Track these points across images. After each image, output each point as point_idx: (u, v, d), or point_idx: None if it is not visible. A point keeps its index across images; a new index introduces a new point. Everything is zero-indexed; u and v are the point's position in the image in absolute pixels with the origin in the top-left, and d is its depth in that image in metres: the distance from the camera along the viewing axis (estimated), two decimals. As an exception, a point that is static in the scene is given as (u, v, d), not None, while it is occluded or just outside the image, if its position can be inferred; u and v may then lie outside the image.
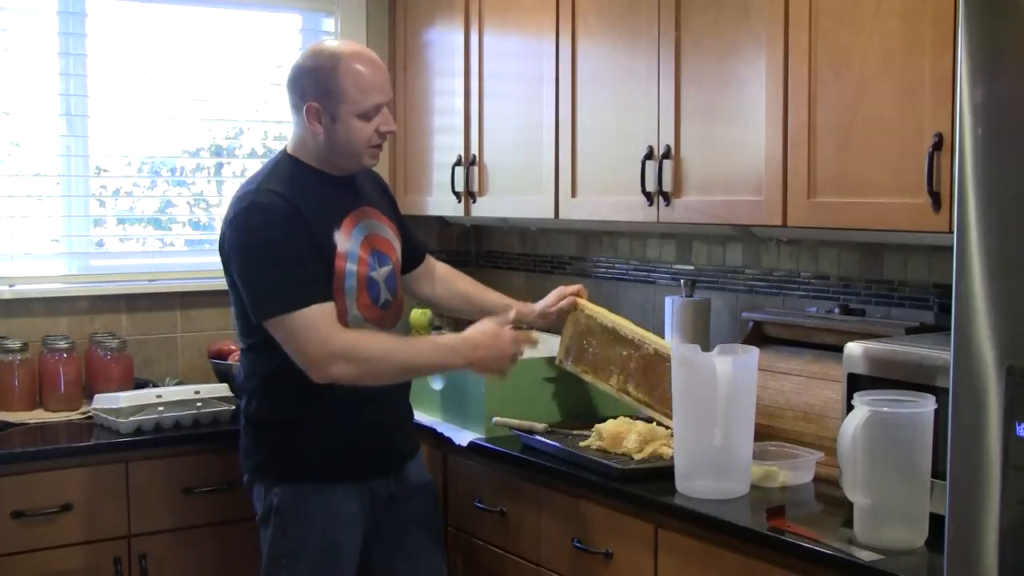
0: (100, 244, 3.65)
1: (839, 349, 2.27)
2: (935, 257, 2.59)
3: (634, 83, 2.83)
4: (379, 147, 2.51)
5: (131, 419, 2.98)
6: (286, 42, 3.84)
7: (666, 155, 2.73)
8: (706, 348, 2.56)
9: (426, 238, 2.99)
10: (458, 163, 3.48)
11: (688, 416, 2.33)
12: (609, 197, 2.94)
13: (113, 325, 3.48)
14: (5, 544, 2.80)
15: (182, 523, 3.01)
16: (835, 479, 2.18)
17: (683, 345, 2.51)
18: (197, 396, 3.12)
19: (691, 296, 3.01)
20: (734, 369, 2.27)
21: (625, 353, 2.76)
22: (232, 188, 3.25)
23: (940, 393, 1.92)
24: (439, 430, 2.93)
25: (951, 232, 1.67)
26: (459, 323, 3.87)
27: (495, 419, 2.80)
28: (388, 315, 2.55)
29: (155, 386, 3.28)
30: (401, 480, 2.60)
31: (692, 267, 3.24)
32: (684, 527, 2.27)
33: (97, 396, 3.15)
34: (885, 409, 1.96)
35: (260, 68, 3.78)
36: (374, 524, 2.56)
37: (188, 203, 3.81)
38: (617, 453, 2.55)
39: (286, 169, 2.50)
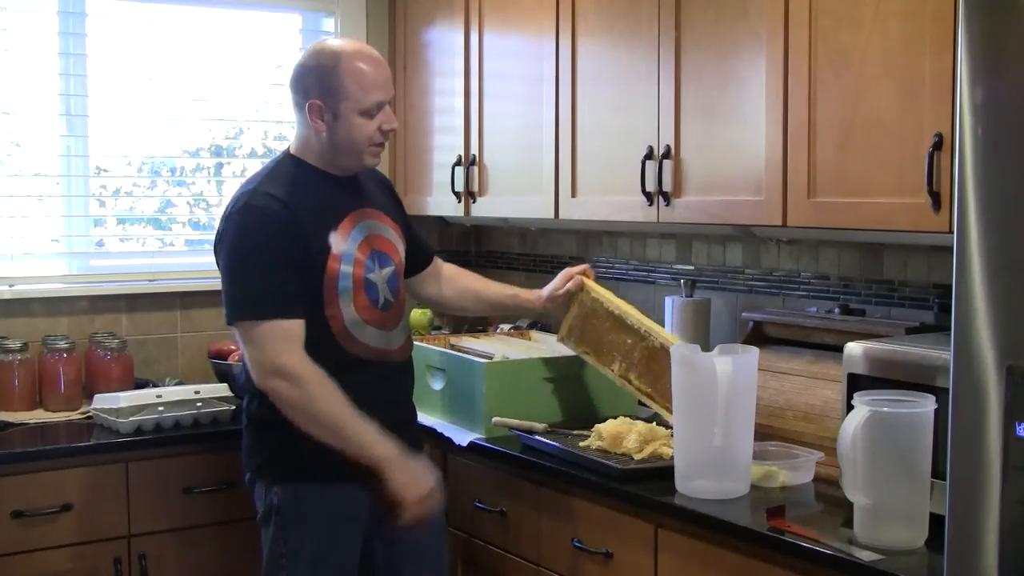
0: (100, 244, 3.65)
1: (839, 349, 2.27)
2: (935, 257, 2.59)
3: (634, 83, 2.83)
4: (381, 145, 2.51)
5: (131, 419, 2.98)
6: (286, 42, 3.84)
7: (666, 155, 2.73)
8: (706, 348, 2.56)
9: (426, 238, 2.99)
10: (458, 163, 3.48)
11: (688, 416, 2.33)
12: (609, 197, 2.94)
13: (113, 325, 3.48)
14: (5, 544, 2.80)
15: (182, 523, 3.01)
16: (835, 479, 2.18)
17: (683, 345, 2.51)
18: (197, 396, 3.12)
19: (691, 296, 3.01)
20: (734, 369, 2.26)
21: (630, 342, 2.73)
22: (232, 188, 3.25)
23: (940, 393, 1.92)
24: (439, 430, 2.93)
25: (951, 232, 1.67)
26: (459, 323, 3.88)
27: (495, 419, 2.80)
28: (389, 316, 2.55)
29: (155, 386, 3.28)
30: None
31: (692, 267, 3.24)
32: (684, 527, 2.27)
33: (97, 396, 3.15)
34: (885, 409, 1.96)
35: (260, 68, 3.77)
36: (376, 524, 2.56)
37: (188, 203, 3.81)
38: (617, 453, 2.54)
39: (287, 169, 2.51)
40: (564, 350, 3.08)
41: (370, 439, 2.38)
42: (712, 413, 2.26)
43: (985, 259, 1.59)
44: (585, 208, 3.04)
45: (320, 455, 2.46)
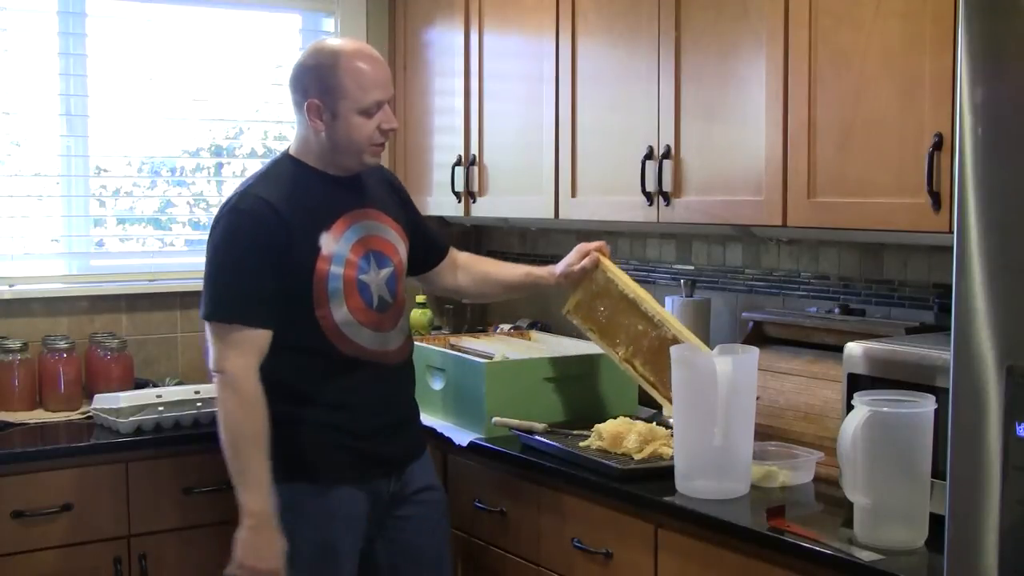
0: (100, 244, 3.65)
1: (839, 349, 2.27)
2: (935, 257, 2.59)
3: (634, 82, 2.83)
4: (381, 145, 2.50)
5: (131, 419, 2.98)
6: (286, 42, 3.84)
7: (666, 155, 2.73)
8: (706, 348, 2.56)
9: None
10: (458, 163, 3.48)
11: (688, 416, 2.33)
12: (609, 197, 2.94)
13: (113, 325, 3.48)
14: (5, 544, 2.80)
15: (182, 523, 3.01)
16: (835, 479, 2.18)
17: (683, 345, 2.51)
18: (197, 396, 3.11)
19: (691, 296, 3.01)
20: (734, 369, 2.26)
21: (640, 328, 2.68)
22: (232, 188, 3.25)
23: (940, 393, 1.92)
24: (439, 430, 2.93)
25: (951, 232, 1.67)
26: (459, 323, 3.88)
27: (495, 419, 2.80)
28: (385, 317, 2.53)
29: (155, 386, 3.28)
30: (403, 482, 2.58)
31: (692, 267, 3.24)
32: (684, 527, 2.27)
33: (97, 396, 3.15)
34: (885, 409, 1.96)
35: (260, 68, 3.77)
36: (376, 525, 2.56)
37: (188, 203, 3.81)
38: (617, 453, 2.54)
39: (284, 170, 2.51)
40: (565, 350, 3.09)
41: (253, 481, 2.37)
42: (712, 413, 2.26)
43: (985, 259, 1.59)
44: (585, 208, 3.04)
45: (318, 456, 2.46)
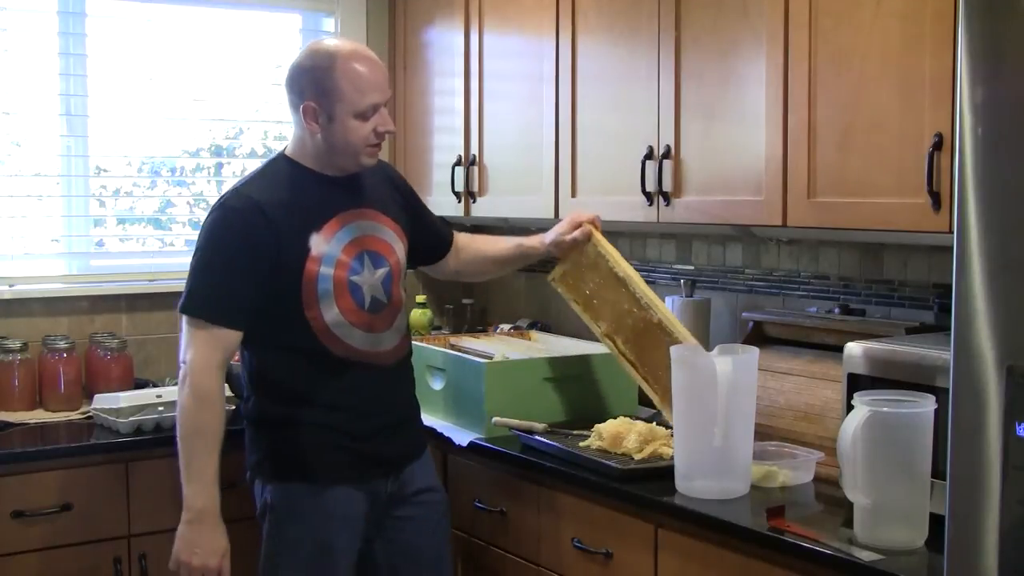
0: (100, 244, 3.65)
1: (839, 349, 2.27)
2: (935, 257, 2.59)
3: (634, 82, 2.83)
4: (377, 146, 2.49)
5: (131, 419, 2.98)
6: (286, 42, 3.84)
7: (666, 155, 2.73)
8: (706, 348, 2.56)
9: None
10: (458, 163, 3.48)
11: (688, 416, 2.33)
12: (609, 197, 2.94)
13: (113, 325, 3.48)
14: (5, 544, 2.80)
15: (182, 523, 3.01)
16: (835, 479, 2.18)
17: (683, 345, 2.50)
18: (197, 396, 3.11)
19: (691, 296, 3.01)
20: (734, 369, 2.26)
21: (626, 307, 2.68)
22: (232, 188, 3.26)
23: (940, 393, 1.92)
24: (439, 430, 2.93)
25: (951, 232, 1.67)
26: (459, 323, 3.88)
27: (495, 419, 2.80)
28: (378, 318, 2.51)
29: (155, 386, 3.28)
30: (402, 482, 2.58)
31: (692, 267, 3.24)
32: (684, 527, 2.27)
33: (97, 396, 3.15)
34: (885, 409, 1.96)
35: (260, 68, 3.78)
36: (375, 526, 2.55)
37: (188, 203, 3.81)
38: (617, 453, 2.54)
39: (278, 171, 2.50)
40: (565, 350, 3.09)
41: (196, 475, 2.40)
42: (712, 413, 2.26)
43: (985, 259, 1.59)
44: (585, 208, 3.03)
45: (316, 456, 2.46)
